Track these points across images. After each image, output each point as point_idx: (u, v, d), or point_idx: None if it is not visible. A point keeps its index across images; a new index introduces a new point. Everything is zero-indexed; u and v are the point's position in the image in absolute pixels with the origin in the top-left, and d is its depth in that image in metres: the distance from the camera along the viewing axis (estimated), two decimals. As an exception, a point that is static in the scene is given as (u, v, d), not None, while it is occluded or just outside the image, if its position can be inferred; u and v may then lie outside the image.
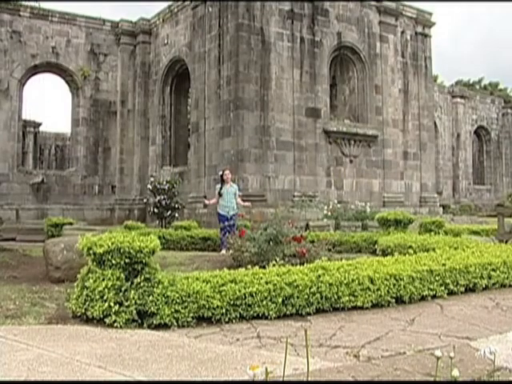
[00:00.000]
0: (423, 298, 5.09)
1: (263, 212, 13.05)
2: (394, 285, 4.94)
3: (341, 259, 5.66)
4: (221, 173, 9.75)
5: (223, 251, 8.83)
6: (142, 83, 18.86)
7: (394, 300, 4.90)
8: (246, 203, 9.75)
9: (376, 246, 8.60)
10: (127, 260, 4.13)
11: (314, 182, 15.37)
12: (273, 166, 14.53)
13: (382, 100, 17.15)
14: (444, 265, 5.42)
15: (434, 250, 6.59)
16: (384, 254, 7.65)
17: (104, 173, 19.13)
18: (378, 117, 17.05)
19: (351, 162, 16.29)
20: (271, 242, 6.70)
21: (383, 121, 17.13)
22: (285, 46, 14.97)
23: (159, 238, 9.12)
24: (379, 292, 4.81)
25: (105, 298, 4.03)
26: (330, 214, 14.01)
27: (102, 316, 4.01)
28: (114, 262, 4.13)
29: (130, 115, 18.97)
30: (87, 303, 4.11)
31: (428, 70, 18.74)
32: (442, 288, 5.24)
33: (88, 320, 4.08)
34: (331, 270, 4.83)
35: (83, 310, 4.11)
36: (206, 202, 9.92)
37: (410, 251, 6.71)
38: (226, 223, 9.16)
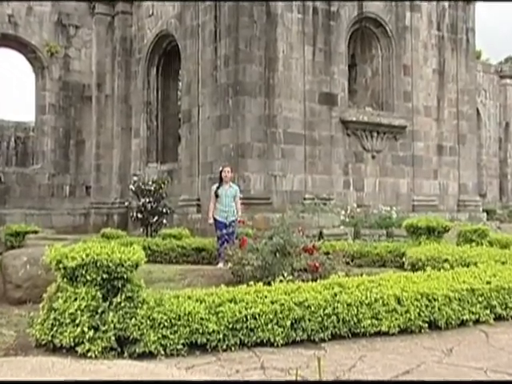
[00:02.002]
0: (463, 324, 5.09)
1: (268, 218, 13.04)
2: (427, 306, 4.94)
3: (361, 274, 5.65)
4: (220, 169, 9.81)
5: (220, 264, 8.86)
6: (123, 63, 18.91)
7: (426, 325, 4.90)
8: (239, 205, 9.75)
9: (404, 259, 8.59)
10: (105, 275, 4.15)
11: (329, 182, 15.38)
12: (279, 163, 14.55)
13: (412, 83, 17.16)
14: (489, 283, 5.41)
15: (475, 264, 6.58)
16: (414, 268, 7.64)
17: (76, 171, 19.19)
18: (407, 103, 17.05)
19: (374, 157, 16.29)
20: (278, 254, 6.70)
21: (413, 108, 17.14)
22: (294, 19, 15.00)
23: (144, 248, 9.03)
24: (408, 315, 4.81)
25: (77, 321, 4.04)
26: (347, 220, 13.99)
27: (73, 344, 4.02)
28: (88, 277, 4.14)
29: (108, 101, 19.02)
30: (55, 329, 4.12)
31: (470, 44, 18.68)
32: (487, 311, 5.24)
33: (55, 349, 4.09)
34: (349, 288, 4.84)
35: (50, 338, 4.12)
36: (210, 221, 9.56)
37: (446, 266, 6.70)
38: (224, 231, 9.17)
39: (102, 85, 19.06)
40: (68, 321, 4.07)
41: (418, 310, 4.87)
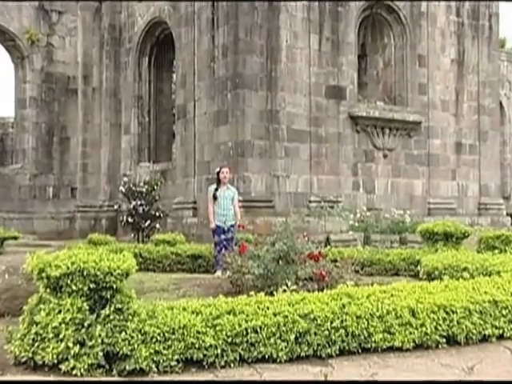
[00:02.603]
0: (485, 339, 5.08)
1: (270, 222, 13.04)
2: (444, 319, 4.93)
3: (372, 284, 5.66)
4: (218, 170, 9.82)
5: (218, 273, 8.86)
6: (112, 53, 18.95)
7: (443, 340, 4.90)
8: (238, 208, 9.76)
9: (419, 268, 8.57)
10: (92, 285, 4.15)
11: (337, 184, 15.40)
12: (283, 163, 14.57)
13: (428, 74, 17.18)
14: (514, 294, 5.41)
15: (498, 273, 6.57)
16: (430, 277, 7.62)
17: (61, 171, 19.23)
18: (422, 97, 17.07)
19: (385, 156, 16.30)
20: (281, 261, 6.71)
21: (429, 102, 17.16)
22: (299, 5, 15.02)
23: (135, 255, 9.08)
24: (424, 328, 4.81)
25: (61, 336, 4.05)
26: (357, 224, 13.99)
27: (56, 361, 4.02)
28: (74, 287, 4.14)
29: (95, 95, 19.06)
30: (36, 344, 4.11)
31: (493, 32, 18.67)
32: (512, 326, 5.23)
33: (37, 367, 4.08)
34: (359, 299, 4.84)
35: (30, 354, 4.12)
36: (212, 225, 9.46)
37: (465, 275, 6.69)
38: (223, 236, 9.17)
39: (89, 77, 19.08)
40: (51, 335, 4.08)
41: (434, 323, 4.87)
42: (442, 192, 17.38)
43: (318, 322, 4.51)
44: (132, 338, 4.09)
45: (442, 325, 4.91)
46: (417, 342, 4.79)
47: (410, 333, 4.76)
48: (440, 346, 4.85)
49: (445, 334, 4.92)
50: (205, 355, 4.19)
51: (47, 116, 19.07)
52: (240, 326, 4.30)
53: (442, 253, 8.70)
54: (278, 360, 4.33)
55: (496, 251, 9.06)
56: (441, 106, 17.46)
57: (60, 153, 19.27)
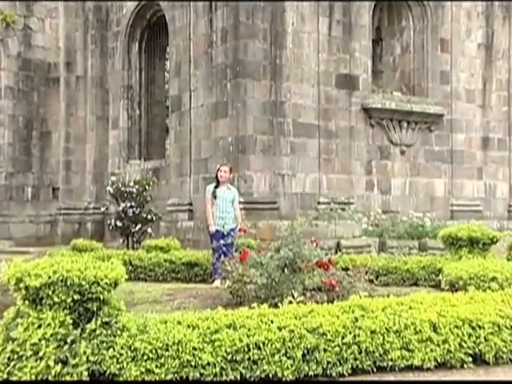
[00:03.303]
0: (517, 358, 5.07)
1: (274, 226, 13.03)
2: (470, 335, 4.92)
3: (388, 295, 5.65)
4: (217, 167, 9.86)
5: (217, 282, 8.89)
6: (97, 37, 18.96)
7: (469, 358, 4.88)
8: (238, 211, 9.77)
9: (440, 277, 8.58)
10: (77, 296, 4.15)
11: (348, 183, 15.39)
12: (288, 160, 14.56)
13: (451, 61, 17.16)
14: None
15: (530, 283, 6.56)
16: (453, 288, 7.62)
17: (41, 169, 19.25)
18: (444, 86, 17.05)
19: (403, 153, 16.28)
20: (286, 270, 6.71)
21: (452, 92, 17.14)
22: (307, -17, 15.03)
23: (124, 263, 9.09)
24: (446, 345, 4.80)
25: (41, 353, 4.04)
26: (371, 228, 13.97)
27: (35, 382, 4.02)
28: (56, 299, 4.14)
29: (79, 84, 19.05)
30: (13, 363, 4.10)
31: (528, 10, 18.59)
32: (549, 344, 5.21)
33: (13, 389, 4.08)
34: (374, 311, 4.83)
35: (5, 375, 4.10)
36: (212, 228, 9.46)
37: (494, 285, 6.68)
38: (222, 242, 9.17)
39: (72, 64, 19.05)
40: (29, 353, 4.07)
41: (458, 339, 4.86)
42: (467, 193, 17.36)
43: (328, 337, 4.51)
44: (121, 355, 4.09)
45: (468, 341, 4.89)
46: (439, 360, 4.78)
47: (431, 350, 4.76)
48: (465, 365, 4.84)
49: (471, 351, 4.90)
50: (202, 374, 4.19)
51: (25, 108, 19.08)
52: (241, 341, 4.30)
53: (467, 260, 8.69)
54: (284, 379, 4.32)
55: (528, 259, 9.06)
56: (465, 97, 17.43)
57: (40, 149, 19.28)
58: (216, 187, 9.61)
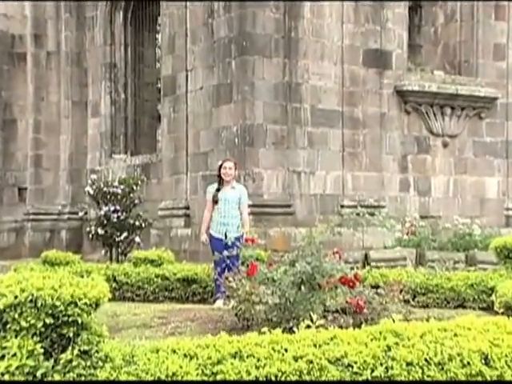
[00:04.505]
0: None
1: (289, 234, 13.04)
2: (530, 369, 4.90)
3: (427, 319, 5.62)
4: (219, 163, 9.84)
5: (219, 302, 8.90)
6: (73, 4, 18.94)
7: (529, 397, 4.86)
8: (246, 215, 9.80)
9: (493, 298, 8.53)
10: (49, 320, 4.14)
11: (379, 183, 15.37)
12: (305, 155, 14.56)
13: (509, 32, 17.04)
14: None
15: None
16: (509, 311, 7.58)
17: (4, 165, 19.29)
18: (499, 63, 16.96)
19: (446, 145, 16.24)
20: (303, 287, 6.69)
21: (508, 71, 17.05)
22: None
23: (107, 279, 9.14)
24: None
25: (6, 389, 4.05)
26: (406, 237, 13.92)
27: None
28: (24, 324, 4.13)
29: (51, 62, 19.07)
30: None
31: None
32: None
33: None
34: (410, 339, 4.81)
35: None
36: (203, 237, 9.71)
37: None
38: (225, 253, 9.15)
39: (42, 37, 19.06)
40: (-8, 388, 4.08)
41: (515, 373, 4.84)
42: (525, 194, 17.28)
43: (354, 369, 4.48)
44: (103, 390, 4.10)
45: (527, 376, 4.87)
46: (491, 398, 4.76)
47: (482, 386, 4.74)
48: (523, 404, 4.82)
49: (530, 388, 4.89)
50: (201, 414, 4.19)
51: (-16, 91, 19.15)
52: (249, 374, 4.28)
53: (526, 277, 8.67)
54: (300, 421, 4.32)
55: None
56: (524, 77, 17.33)
57: (2, 141, 19.31)
58: (218, 188, 9.60)
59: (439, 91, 15.93)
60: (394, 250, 13.29)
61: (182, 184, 15.49)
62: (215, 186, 9.71)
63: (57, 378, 4.07)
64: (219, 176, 9.67)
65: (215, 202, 9.52)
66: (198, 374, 4.26)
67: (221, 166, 9.70)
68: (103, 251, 14.74)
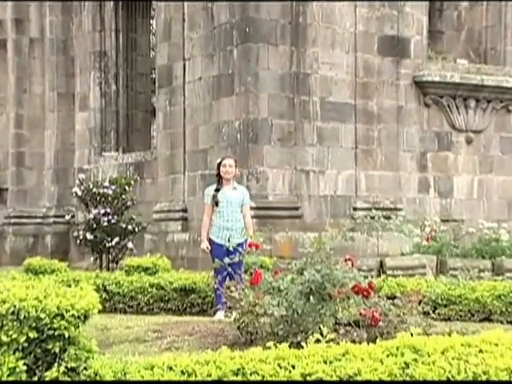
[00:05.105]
0: None
1: (296, 239, 13.04)
2: None
3: (449, 333, 5.62)
4: (218, 161, 9.83)
5: (220, 314, 8.91)
6: (59, -13, 18.99)
7: None
8: (249, 218, 9.79)
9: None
10: (33, 334, 4.14)
11: (395, 183, 15.37)
12: (314, 152, 14.56)
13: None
14: None
15: None
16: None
17: (-17, 164, 19.34)
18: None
19: (470, 142, 16.23)
20: (312, 297, 6.68)
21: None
22: None
23: (97, 289, 9.06)
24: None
25: (-15, 411, 4.05)
26: (425, 243, 13.89)
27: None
28: (5, 338, 4.14)
29: (34, 50, 19.07)
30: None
31: None
32: None
33: None
34: (430, 355, 4.80)
35: None
36: (204, 245, 9.66)
37: None
38: (226, 261, 9.14)
39: (24, 22, 19.06)
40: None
41: (547, 394, 4.83)
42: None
43: (369, 388, 4.49)
44: (92, 411, 4.10)
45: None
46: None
47: (510, 408, 4.74)
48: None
49: None
50: None
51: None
52: (252, 393, 4.29)
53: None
54: None
55: None
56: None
57: (-20, 138, 19.38)
58: (217, 188, 9.59)
59: (462, 82, 15.91)
60: (413, 256, 13.26)
61: (179, 184, 15.50)
62: (213, 187, 9.68)
63: (41, 397, 4.07)
64: (218, 175, 9.65)
65: (215, 203, 9.51)
66: (196, 393, 4.26)
67: (220, 164, 9.68)
68: (92, 258, 14.76)
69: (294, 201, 14.31)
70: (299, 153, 14.40)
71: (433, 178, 15.85)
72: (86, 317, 4.27)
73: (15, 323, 4.16)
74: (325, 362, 4.61)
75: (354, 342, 5.63)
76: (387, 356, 4.77)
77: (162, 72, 16.29)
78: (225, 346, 5.00)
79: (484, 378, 4.72)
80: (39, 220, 18.71)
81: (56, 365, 4.19)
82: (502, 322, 8.81)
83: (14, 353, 4.16)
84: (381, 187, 15.16)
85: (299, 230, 13.73)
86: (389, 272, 11.67)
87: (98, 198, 14.37)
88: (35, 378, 4.15)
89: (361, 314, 6.60)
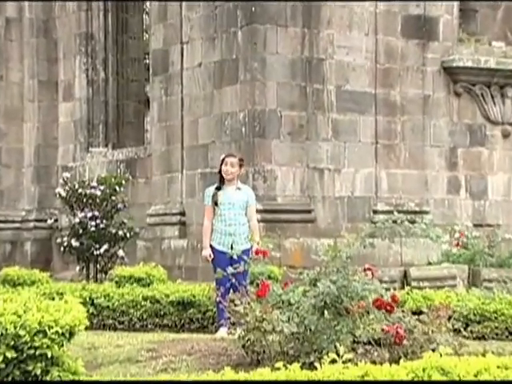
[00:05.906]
0: None
1: (308, 246, 13.05)
2: None
3: (483, 353, 5.62)
4: (222, 157, 9.87)
5: (223, 331, 8.92)
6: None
7: None
8: (255, 222, 9.81)
9: None
10: (11, 354, 4.15)
11: (421, 182, 15.37)
12: (329, 148, 14.57)
13: None
14: None
15: None
16: None
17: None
18: None
19: (506, 136, 16.21)
20: (327, 312, 6.69)
21: None
22: None
23: (84, 303, 9.14)
24: None
25: None
26: (456, 251, 13.91)
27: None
28: (-20, 357, 4.16)
29: (11, 31, 19.12)
30: None
31: None
32: None
33: None
34: (461, 377, 4.81)
35: None
36: (205, 252, 9.70)
37: None
38: (229, 270, 9.15)
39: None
40: None
41: None
42: None
43: (392, 415, 4.50)
44: None
45: None
46: None
47: None
48: None
49: None
50: None
51: None
52: (260, 421, 4.31)
53: None
54: None
55: None
56: None
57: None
58: (219, 187, 9.60)
59: (499, 67, 15.91)
60: (441, 266, 13.28)
61: (176, 184, 15.51)
62: (215, 186, 9.69)
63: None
64: (220, 173, 9.66)
65: (215, 203, 9.50)
66: (196, 420, 4.27)
67: (222, 162, 9.69)
68: (78, 268, 14.78)
69: (305, 203, 14.32)
70: (312, 148, 14.40)
71: (464, 176, 15.83)
72: (71, 334, 4.28)
73: (-9, 341, 4.18)
74: (342, 386, 4.62)
75: (374, 362, 5.64)
76: (412, 378, 4.78)
77: (156, 57, 16.31)
78: (228, 367, 5.01)
79: (522, 403, 4.74)
80: (17, 225, 18.75)
81: (38, 388, 4.20)
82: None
83: (-10, 374, 4.19)
84: (404, 187, 15.15)
85: (312, 235, 13.74)
86: (414, 284, 11.68)
87: (84, 200, 14.39)
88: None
89: (383, 330, 6.59)
